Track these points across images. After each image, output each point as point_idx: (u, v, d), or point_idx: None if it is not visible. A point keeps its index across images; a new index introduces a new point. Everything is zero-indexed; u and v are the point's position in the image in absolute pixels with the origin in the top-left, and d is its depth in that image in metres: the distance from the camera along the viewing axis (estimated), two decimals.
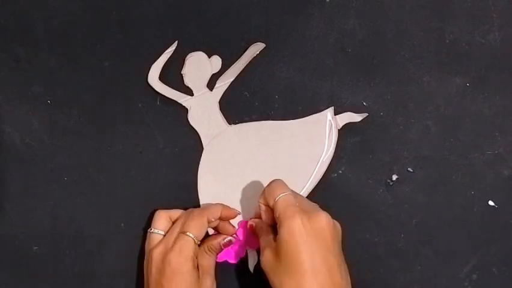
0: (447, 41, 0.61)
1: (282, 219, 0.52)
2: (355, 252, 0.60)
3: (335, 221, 0.53)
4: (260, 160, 0.61)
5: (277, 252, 0.52)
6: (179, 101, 0.62)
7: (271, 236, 0.55)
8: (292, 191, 0.55)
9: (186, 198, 0.62)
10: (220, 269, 0.61)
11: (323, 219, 0.52)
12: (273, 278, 0.53)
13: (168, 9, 0.63)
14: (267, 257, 0.54)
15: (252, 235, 0.59)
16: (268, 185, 0.56)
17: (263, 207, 0.56)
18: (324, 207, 0.57)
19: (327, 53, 0.62)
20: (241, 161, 0.62)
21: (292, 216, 0.51)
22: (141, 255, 0.62)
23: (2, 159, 0.63)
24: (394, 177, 0.61)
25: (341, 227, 0.54)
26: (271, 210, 0.55)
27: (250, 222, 0.59)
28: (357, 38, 0.61)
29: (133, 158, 0.63)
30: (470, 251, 0.60)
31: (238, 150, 0.62)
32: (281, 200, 0.54)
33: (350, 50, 0.61)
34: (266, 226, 0.56)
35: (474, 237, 0.60)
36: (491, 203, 0.60)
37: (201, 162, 0.62)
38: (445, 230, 0.60)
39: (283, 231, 0.52)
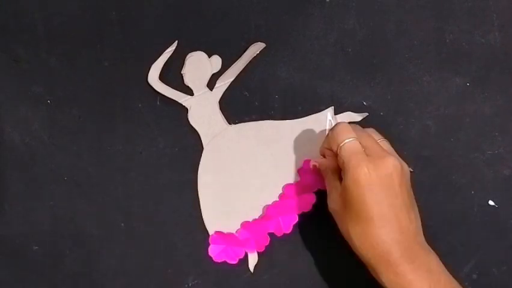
0: (447, 41, 0.61)
1: (346, 167, 0.51)
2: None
3: (403, 163, 0.52)
4: (260, 160, 0.61)
5: (343, 199, 0.52)
6: (179, 101, 0.62)
7: (337, 180, 0.53)
8: (360, 130, 0.54)
9: (186, 198, 0.62)
10: (220, 269, 0.62)
11: (390, 165, 0.50)
12: (340, 224, 0.53)
13: (168, 9, 0.63)
14: (334, 202, 0.53)
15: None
16: (332, 128, 0.54)
17: (328, 152, 0.55)
18: (324, 206, 0.57)
19: (327, 53, 0.62)
20: (241, 161, 0.62)
21: (357, 166, 0.50)
22: (140, 255, 0.62)
23: (2, 159, 0.63)
24: None
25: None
26: (335, 155, 0.53)
27: (313, 163, 0.58)
28: (357, 38, 0.61)
29: (133, 158, 0.63)
30: (470, 251, 0.60)
31: (238, 150, 0.62)
32: (346, 146, 0.52)
33: (350, 50, 0.61)
34: (332, 168, 0.55)
35: (474, 237, 0.60)
36: (491, 203, 0.60)
37: (201, 162, 0.62)
38: (445, 230, 0.60)
39: (348, 180, 0.50)
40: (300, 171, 0.60)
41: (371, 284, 0.61)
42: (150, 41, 0.62)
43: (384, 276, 0.50)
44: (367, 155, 0.51)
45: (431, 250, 0.52)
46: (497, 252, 0.60)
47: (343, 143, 0.52)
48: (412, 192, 0.54)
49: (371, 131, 0.57)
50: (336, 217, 0.54)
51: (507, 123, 0.60)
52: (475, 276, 0.59)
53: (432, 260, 0.51)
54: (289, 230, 0.60)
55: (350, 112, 0.61)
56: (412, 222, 0.51)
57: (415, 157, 0.60)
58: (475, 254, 0.60)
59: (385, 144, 0.55)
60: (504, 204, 0.60)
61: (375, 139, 0.54)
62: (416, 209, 0.53)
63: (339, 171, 0.54)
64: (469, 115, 0.61)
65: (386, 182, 0.50)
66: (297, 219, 0.60)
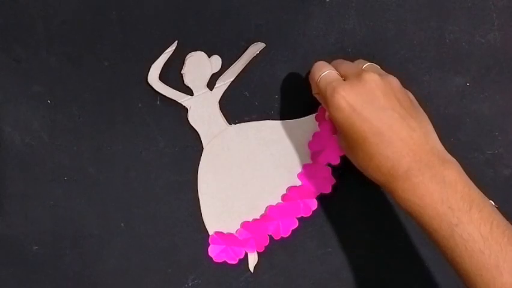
0: (447, 41, 0.61)
1: (325, 99, 0.50)
2: (355, 252, 0.60)
3: (384, 75, 0.50)
4: (260, 160, 0.61)
5: (339, 132, 0.51)
6: (179, 101, 0.62)
7: None
8: (341, 62, 0.53)
9: (186, 198, 0.62)
10: (220, 269, 0.62)
11: (368, 80, 0.49)
12: (349, 157, 0.52)
13: (168, 9, 0.63)
14: (340, 140, 0.53)
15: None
16: (310, 70, 0.53)
17: (318, 97, 0.54)
18: (324, 207, 0.57)
19: (327, 53, 0.62)
20: (241, 161, 0.62)
21: (333, 92, 0.49)
22: (140, 255, 0.62)
23: (2, 159, 0.63)
24: None
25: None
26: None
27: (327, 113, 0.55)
28: (357, 38, 0.61)
29: (133, 158, 0.63)
30: None
31: (238, 150, 0.62)
32: (321, 80, 0.51)
33: (350, 50, 0.61)
34: None
35: None
36: (491, 202, 0.60)
37: (201, 162, 0.62)
38: None
39: (331, 110, 0.49)
40: (300, 176, 0.60)
41: (371, 284, 0.61)
42: (150, 41, 0.62)
43: (395, 195, 0.47)
44: (345, 80, 0.50)
45: (449, 158, 0.48)
46: None
47: (319, 78, 0.51)
48: (412, 100, 0.51)
49: (358, 61, 0.55)
50: (346, 152, 0.52)
51: (507, 123, 0.60)
52: None
53: (448, 169, 0.47)
54: (287, 234, 0.60)
55: None
56: (415, 130, 0.47)
57: None
58: None
59: (371, 67, 0.53)
60: (504, 204, 0.60)
61: (357, 64, 0.53)
62: (421, 115, 0.50)
63: None
64: (468, 115, 0.61)
65: (368, 98, 0.48)
66: (297, 225, 0.60)
